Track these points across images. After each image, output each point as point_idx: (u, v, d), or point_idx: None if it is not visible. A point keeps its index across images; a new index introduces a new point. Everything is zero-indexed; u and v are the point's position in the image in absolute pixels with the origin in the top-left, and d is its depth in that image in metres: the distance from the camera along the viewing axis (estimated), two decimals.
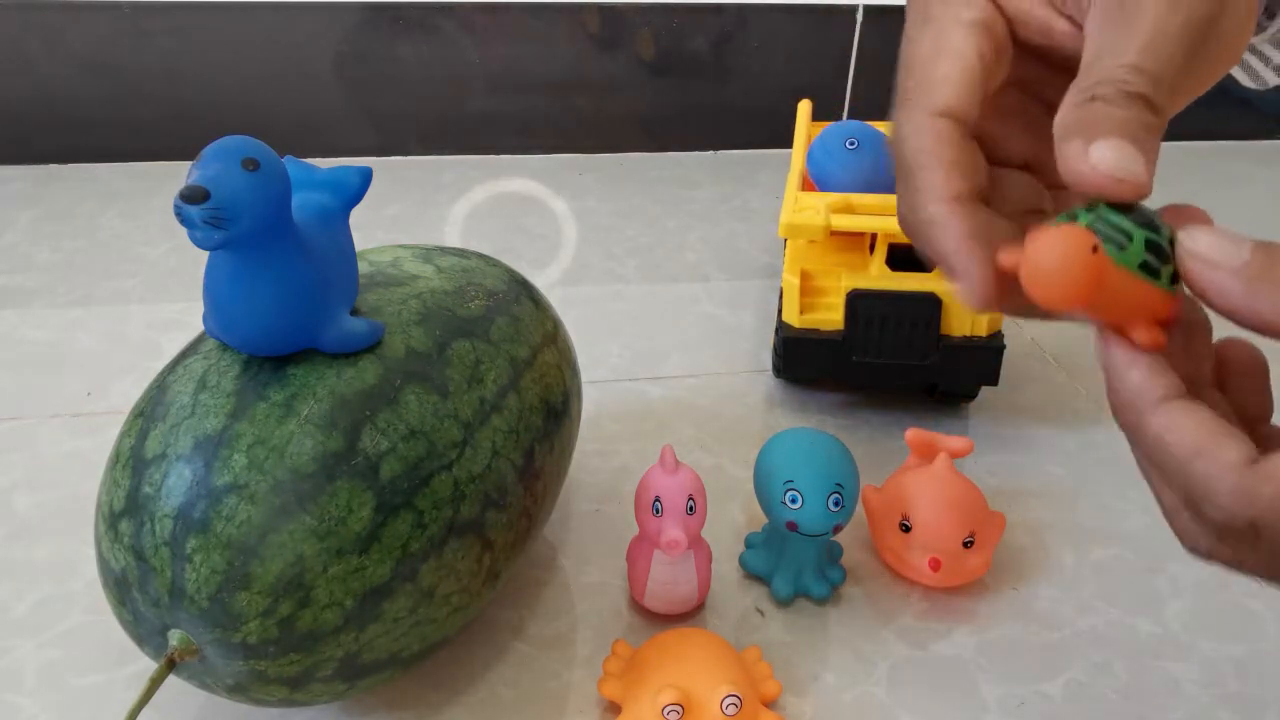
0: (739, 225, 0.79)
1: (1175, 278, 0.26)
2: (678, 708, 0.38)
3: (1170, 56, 0.27)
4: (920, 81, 0.30)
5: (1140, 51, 0.27)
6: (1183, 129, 0.96)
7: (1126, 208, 0.26)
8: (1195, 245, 0.26)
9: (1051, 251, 0.25)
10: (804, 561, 0.46)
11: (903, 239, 0.54)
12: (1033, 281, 0.26)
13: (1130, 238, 0.26)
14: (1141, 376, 0.27)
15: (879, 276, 0.54)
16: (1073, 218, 0.27)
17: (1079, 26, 0.30)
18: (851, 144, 0.60)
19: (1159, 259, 0.26)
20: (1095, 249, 0.25)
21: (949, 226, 0.28)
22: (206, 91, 0.83)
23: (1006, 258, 0.27)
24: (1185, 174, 0.91)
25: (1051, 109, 0.32)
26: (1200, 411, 0.26)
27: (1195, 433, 0.25)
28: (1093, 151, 0.26)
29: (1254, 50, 0.42)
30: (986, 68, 0.30)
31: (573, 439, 0.47)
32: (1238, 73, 0.44)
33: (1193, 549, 0.28)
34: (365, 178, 0.42)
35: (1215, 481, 0.25)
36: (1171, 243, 0.26)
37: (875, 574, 0.48)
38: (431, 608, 0.37)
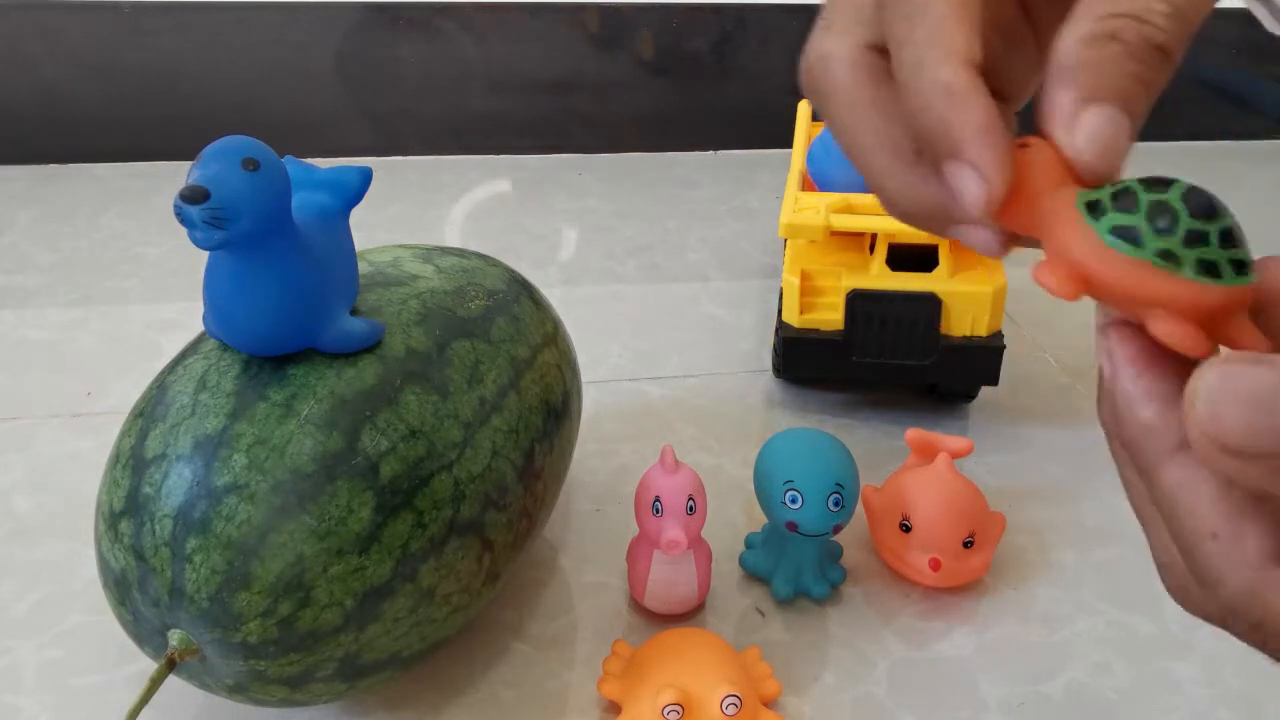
0: (739, 225, 0.79)
1: (1210, 269, 0.21)
2: (678, 708, 0.38)
3: None
4: None
5: None
6: (1183, 129, 0.96)
7: (1182, 192, 0.22)
8: (1207, 417, 0.19)
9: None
10: (804, 561, 0.46)
11: (904, 238, 0.54)
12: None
13: (1136, 205, 0.22)
14: (1155, 414, 0.22)
15: (879, 276, 0.54)
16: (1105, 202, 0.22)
17: None
18: None
19: (1188, 241, 0.21)
20: (1025, 144, 0.22)
21: (972, 97, 0.22)
22: (206, 91, 0.83)
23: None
24: (1185, 174, 0.90)
25: (1036, 26, 0.27)
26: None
27: (1214, 507, 0.21)
28: (1085, 119, 0.22)
29: None
30: None
31: (573, 439, 0.47)
32: (1265, 17, 0.41)
33: (1180, 602, 0.24)
34: (365, 178, 0.42)
35: (1227, 572, 0.21)
36: (1230, 234, 0.22)
37: (875, 574, 0.48)
38: (431, 608, 0.37)
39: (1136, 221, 0.22)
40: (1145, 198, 0.22)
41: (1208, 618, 0.23)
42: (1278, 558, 0.21)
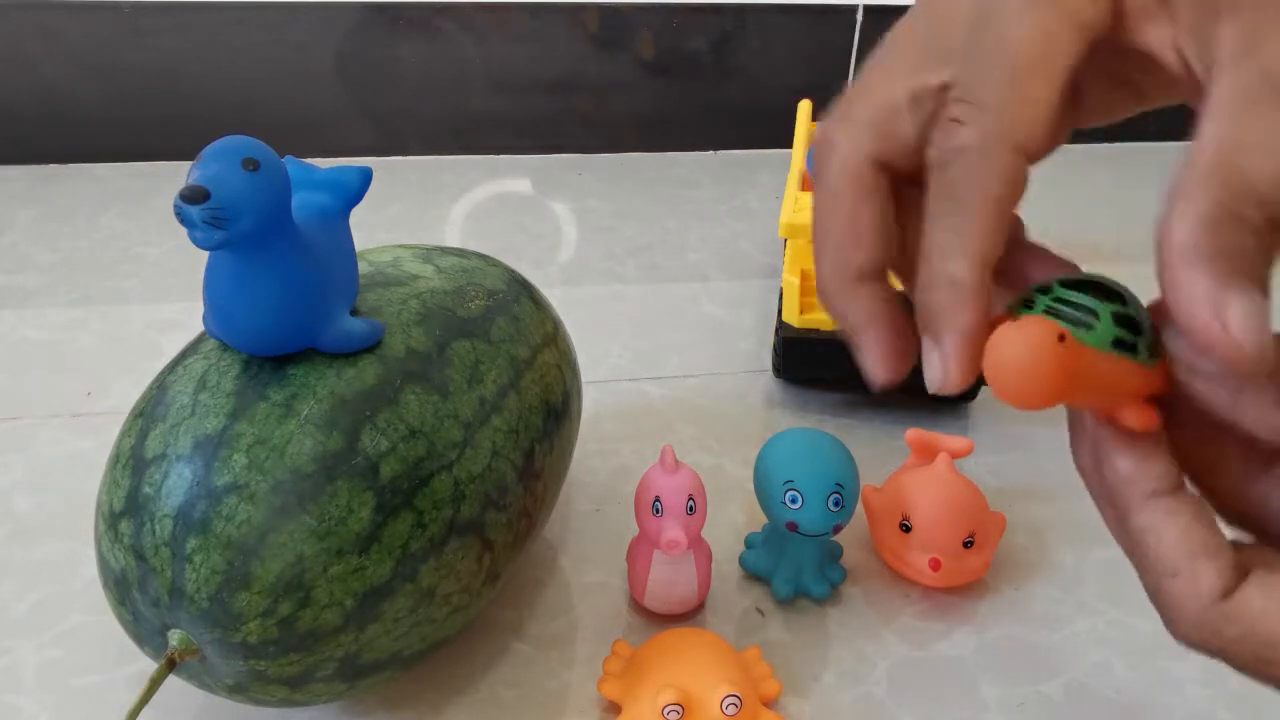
0: (739, 225, 0.79)
1: (1155, 350, 0.24)
2: (678, 708, 0.38)
3: None
4: (1008, 92, 0.23)
5: None
6: (1183, 129, 0.96)
7: (1080, 283, 0.24)
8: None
9: (1013, 348, 0.22)
10: (804, 561, 0.46)
11: None
12: (998, 382, 0.23)
13: (1096, 315, 0.23)
14: (1131, 465, 0.24)
15: None
16: (1026, 304, 0.24)
17: (1183, 61, 0.23)
18: None
19: (1132, 332, 0.24)
20: (1062, 338, 0.22)
21: (971, 299, 0.24)
22: (206, 91, 0.83)
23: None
24: None
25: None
26: (1185, 516, 0.24)
27: (1175, 548, 0.24)
28: (1233, 307, 0.20)
29: None
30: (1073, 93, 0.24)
31: (573, 439, 0.47)
32: None
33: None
34: (365, 178, 0.42)
35: (1182, 607, 0.24)
36: (1133, 320, 0.24)
37: (875, 574, 0.48)
38: (431, 608, 0.37)
39: (1124, 334, 0.24)
40: (1106, 309, 0.24)
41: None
42: (1227, 594, 0.23)
